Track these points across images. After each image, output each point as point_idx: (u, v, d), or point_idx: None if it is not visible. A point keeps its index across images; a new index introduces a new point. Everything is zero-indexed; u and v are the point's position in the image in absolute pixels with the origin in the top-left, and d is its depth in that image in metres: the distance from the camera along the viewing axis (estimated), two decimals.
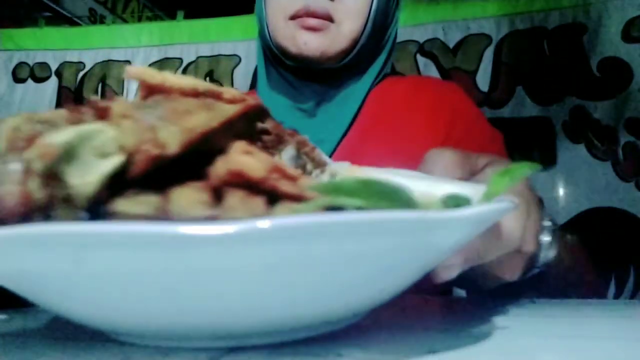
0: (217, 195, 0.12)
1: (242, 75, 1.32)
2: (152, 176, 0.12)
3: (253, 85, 1.31)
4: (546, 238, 0.27)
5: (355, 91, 0.45)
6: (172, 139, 0.12)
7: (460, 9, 1.22)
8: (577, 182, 1.10)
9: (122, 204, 0.11)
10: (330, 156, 0.42)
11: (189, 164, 0.12)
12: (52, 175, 0.11)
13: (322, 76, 0.44)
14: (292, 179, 0.12)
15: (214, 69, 1.34)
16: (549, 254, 0.26)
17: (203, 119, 0.12)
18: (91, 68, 1.43)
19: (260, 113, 0.15)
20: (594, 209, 1.07)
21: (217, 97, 0.14)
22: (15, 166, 0.11)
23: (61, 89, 1.44)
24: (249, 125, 0.15)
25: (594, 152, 1.10)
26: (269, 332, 0.14)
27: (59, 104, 1.43)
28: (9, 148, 0.11)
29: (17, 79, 1.47)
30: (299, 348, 0.15)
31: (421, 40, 1.22)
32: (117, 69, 1.42)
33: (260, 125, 0.15)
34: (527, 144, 1.11)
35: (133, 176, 0.12)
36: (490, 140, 0.44)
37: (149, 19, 1.99)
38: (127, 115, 0.12)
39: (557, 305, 0.26)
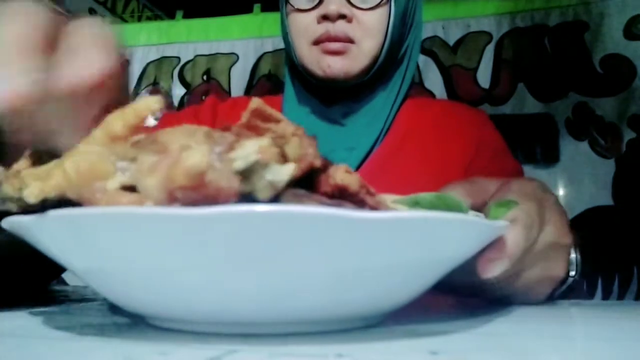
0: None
1: (240, 74, 1.33)
2: None
3: (250, 84, 1.32)
4: (572, 255, 0.26)
5: (382, 102, 0.47)
6: (317, 154, 0.16)
7: (461, 8, 1.22)
8: (580, 180, 1.09)
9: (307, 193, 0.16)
10: (360, 165, 0.45)
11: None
12: (243, 174, 0.14)
13: (347, 92, 0.46)
14: (372, 194, 0.16)
15: (211, 67, 1.34)
16: (574, 272, 0.26)
17: (314, 143, 0.17)
18: None
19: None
20: (597, 207, 1.07)
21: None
22: (227, 165, 0.14)
23: None
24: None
25: (597, 149, 1.10)
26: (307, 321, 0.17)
27: None
28: (211, 150, 0.14)
29: None
30: (299, 348, 0.15)
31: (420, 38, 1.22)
32: None
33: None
34: (530, 141, 1.11)
35: (295, 179, 0.15)
36: (511, 175, 0.46)
37: (149, 19, 1.99)
38: (296, 134, 0.16)
39: (557, 305, 0.26)
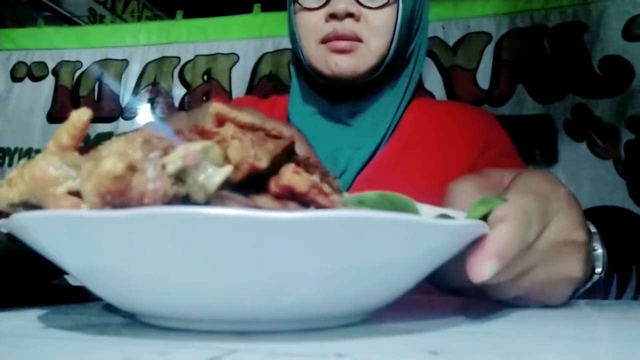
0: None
1: (240, 74, 1.33)
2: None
3: (251, 84, 1.32)
4: (598, 250, 0.25)
5: (388, 102, 0.47)
6: (264, 156, 0.16)
7: (461, 8, 1.22)
8: (578, 181, 1.10)
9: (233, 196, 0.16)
10: (365, 164, 0.45)
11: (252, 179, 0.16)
12: (178, 177, 0.15)
13: (354, 92, 0.46)
14: (326, 194, 0.16)
15: (211, 67, 1.34)
16: (600, 268, 0.24)
17: (274, 146, 0.17)
18: (88, 67, 1.43)
19: (293, 147, 0.21)
20: (595, 208, 1.07)
21: (267, 132, 0.18)
22: (164, 168, 0.15)
23: (58, 87, 1.44)
24: (288, 156, 0.19)
25: (596, 151, 1.10)
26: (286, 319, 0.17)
27: (55, 103, 1.43)
28: (145, 156, 0.15)
29: (15, 78, 1.47)
30: (298, 348, 0.15)
31: None
32: (114, 67, 1.42)
33: (296, 157, 0.20)
34: (529, 142, 1.11)
35: (235, 182, 0.15)
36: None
37: (149, 18, 1.99)
38: (235, 136, 0.16)
39: (557, 305, 0.26)
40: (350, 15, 0.42)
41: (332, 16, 0.42)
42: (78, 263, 0.16)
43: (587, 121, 1.11)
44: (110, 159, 0.15)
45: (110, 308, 0.24)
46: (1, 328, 0.19)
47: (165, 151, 0.15)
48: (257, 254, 0.14)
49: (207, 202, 0.15)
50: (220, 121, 0.18)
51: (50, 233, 0.16)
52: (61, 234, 0.15)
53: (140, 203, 0.15)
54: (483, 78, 1.18)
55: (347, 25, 0.42)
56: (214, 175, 0.15)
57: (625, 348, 0.16)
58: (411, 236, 0.15)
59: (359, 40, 0.43)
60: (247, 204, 0.15)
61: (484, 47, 1.19)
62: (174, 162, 0.15)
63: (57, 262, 0.17)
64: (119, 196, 0.15)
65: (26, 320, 0.20)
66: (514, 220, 0.19)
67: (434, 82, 1.21)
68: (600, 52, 1.11)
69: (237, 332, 0.17)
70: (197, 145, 0.15)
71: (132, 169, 0.15)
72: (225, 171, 0.15)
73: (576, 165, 1.10)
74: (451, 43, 1.21)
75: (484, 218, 0.19)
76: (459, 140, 0.46)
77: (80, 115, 0.17)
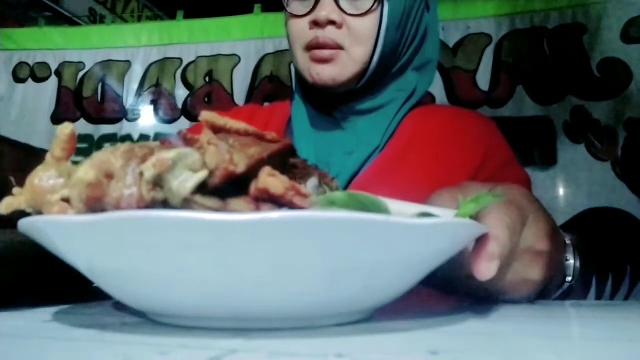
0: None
1: (242, 75, 1.32)
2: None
3: (252, 85, 1.32)
4: (570, 260, 0.28)
5: (381, 106, 0.46)
6: (241, 161, 0.17)
7: (460, 9, 1.22)
8: (577, 182, 1.10)
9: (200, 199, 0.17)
10: (359, 170, 0.45)
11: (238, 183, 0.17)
12: (156, 183, 0.16)
13: (341, 97, 0.46)
14: (304, 196, 0.16)
15: (213, 69, 1.34)
16: (572, 272, 0.28)
17: (258, 150, 0.17)
18: (91, 68, 1.43)
19: (292, 151, 0.20)
20: (593, 209, 1.07)
21: (261, 137, 0.19)
22: (142, 175, 0.16)
23: (61, 89, 1.44)
24: (283, 160, 0.19)
25: (594, 153, 1.10)
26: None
27: (59, 105, 1.43)
28: (125, 164, 0.16)
29: (18, 79, 1.46)
30: (299, 348, 0.15)
31: None
32: (117, 69, 1.42)
33: (292, 160, 0.20)
34: (528, 143, 1.11)
35: (213, 186, 0.16)
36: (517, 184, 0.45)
37: (149, 18, 1.99)
38: (211, 142, 0.17)
39: (556, 306, 0.26)
40: (332, 23, 0.42)
41: (315, 24, 0.43)
42: (94, 263, 0.17)
43: (586, 123, 1.11)
44: (83, 168, 0.16)
45: (111, 308, 0.24)
46: (2, 328, 0.19)
47: (145, 159, 0.16)
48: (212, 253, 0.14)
49: (182, 208, 0.16)
50: (215, 130, 0.18)
51: (58, 235, 0.17)
52: (70, 236, 0.16)
53: (117, 208, 0.16)
54: (483, 79, 1.18)
55: (329, 33, 0.43)
56: (188, 181, 0.16)
57: (625, 348, 0.16)
58: (390, 237, 0.15)
59: (340, 48, 0.43)
60: (219, 208, 0.16)
61: (484, 48, 1.19)
62: (148, 169, 0.16)
63: (68, 261, 0.18)
64: (97, 201, 0.16)
65: (27, 320, 0.20)
66: (506, 228, 0.21)
67: (434, 83, 1.20)
68: (599, 54, 1.12)
69: (237, 333, 0.17)
70: (171, 152, 0.16)
71: (109, 176, 0.16)
72: (198, 177, 0.16)
73: (575, 166, 1.10)
74: (451, 44, 1.21)
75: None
76: (460, 149, 0.46)
77: (63, 130, 0.19)
